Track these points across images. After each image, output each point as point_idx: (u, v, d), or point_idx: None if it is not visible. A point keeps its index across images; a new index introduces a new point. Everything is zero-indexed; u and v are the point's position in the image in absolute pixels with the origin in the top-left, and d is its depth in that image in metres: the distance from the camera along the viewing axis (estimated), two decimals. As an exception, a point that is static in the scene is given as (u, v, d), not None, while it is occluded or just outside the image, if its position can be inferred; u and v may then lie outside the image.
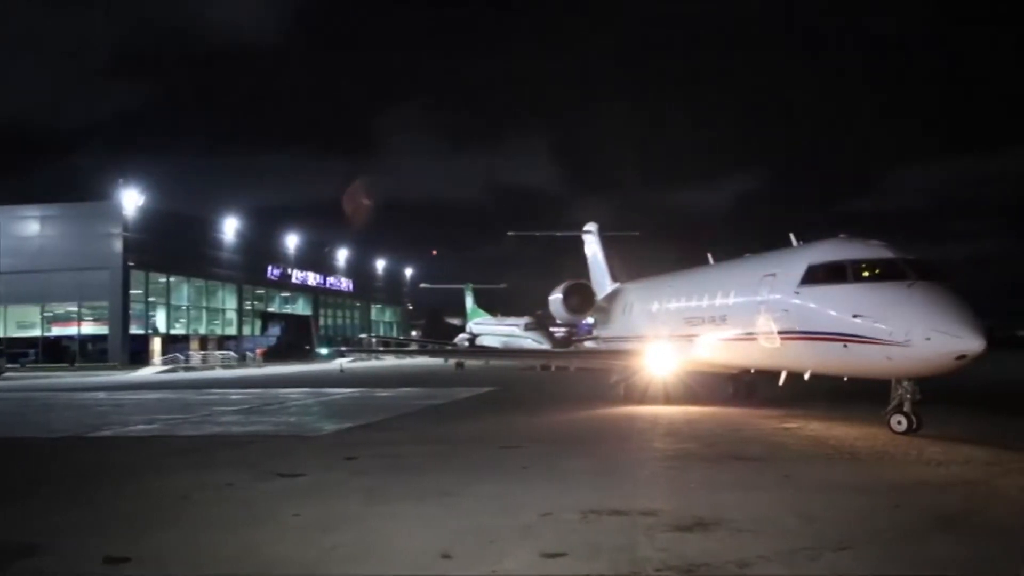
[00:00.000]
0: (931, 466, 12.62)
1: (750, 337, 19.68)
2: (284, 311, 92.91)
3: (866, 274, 16.32)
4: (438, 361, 61.30)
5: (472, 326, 71.39)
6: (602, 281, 37.72)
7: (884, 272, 16.10)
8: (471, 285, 79.71)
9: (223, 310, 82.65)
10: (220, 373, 55.39)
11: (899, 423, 15.69)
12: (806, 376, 18.54)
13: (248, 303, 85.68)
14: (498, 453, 14.80)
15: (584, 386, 30.86)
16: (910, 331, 14.45)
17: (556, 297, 35.13)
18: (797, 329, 17.56)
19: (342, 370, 51.46)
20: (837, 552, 7.61)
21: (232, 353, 70.90)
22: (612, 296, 34.86)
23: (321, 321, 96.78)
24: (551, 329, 59.07)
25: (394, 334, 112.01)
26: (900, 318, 14.81)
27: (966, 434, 15.95)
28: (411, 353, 70.11)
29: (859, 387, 18.67)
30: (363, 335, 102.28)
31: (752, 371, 22.86)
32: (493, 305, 78.17)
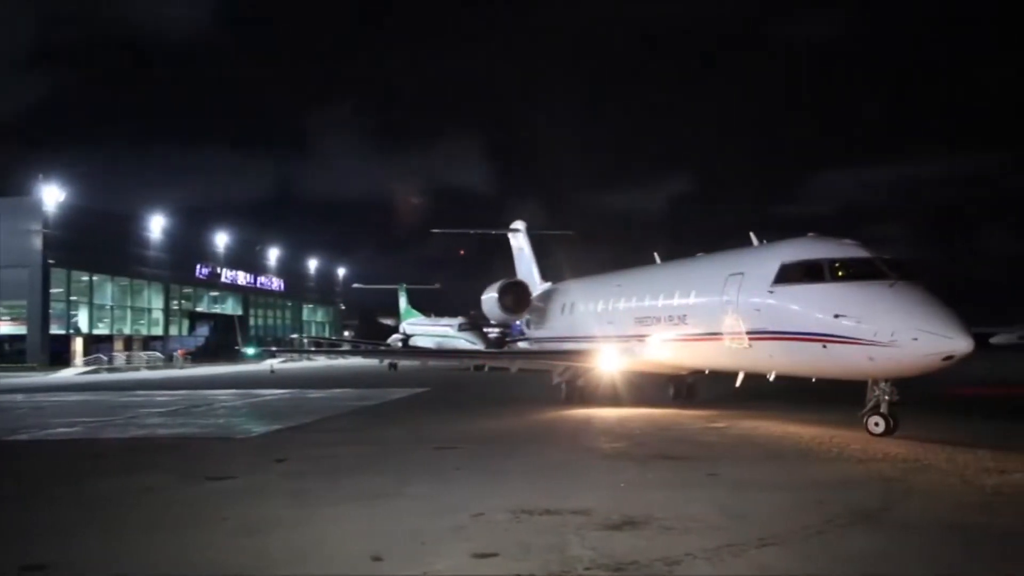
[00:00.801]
0: (851, 463, 13.04)
1: (713, 337, 19.34)
2: (213, 311, 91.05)
3: (843, 273, 16.05)
4: (372, 362, 60.88)
5: (406, 326, 70.94)
6: (530, 280, 36.58)
7: (862, 271, 15.85)
8: (405, 285, 79.23)
9: (149, 310, 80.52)
10: (145, 374, 54.00)
11: (876, 424, 15.46)
12: (771, 377, 18.41)
13: (175, 302, 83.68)
14: (431, 454, 14.77)
15: (519, 387, 30.99)
16: (896, 331, 14.30)
17: (491, 296, 33.80)
18: (770, 329, 17.19)
19: (272, 371, 50.69)
20: (761, 548, 7.81)
21: (158, 354, 69.14)
22: (548, 295, 33.66)
23: (252, 321, 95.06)
24: (485, 330, 59.07)
25: (327, 334, 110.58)
26: (885, 318, 14.64)
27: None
28: (344, 354, 69.28)
29: (806, 386, 19.18)
30: (294, 335, 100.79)
31: (707, 372, 22.61)
32: (427, 306, 77.89)
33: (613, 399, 24.30)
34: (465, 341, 57.49)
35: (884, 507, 9.67)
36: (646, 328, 22.99)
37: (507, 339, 54.02)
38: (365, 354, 61.90)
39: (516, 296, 33.51)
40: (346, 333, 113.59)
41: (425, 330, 65.68)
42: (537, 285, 36.16)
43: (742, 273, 18.51)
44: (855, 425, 15.97)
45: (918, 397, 20.21)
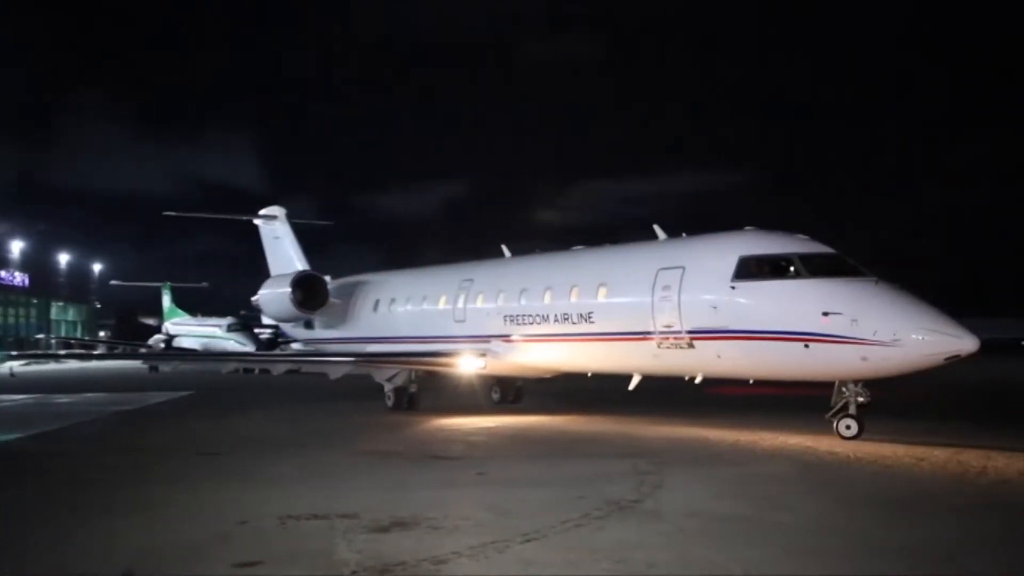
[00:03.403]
0: (606, 459, 13.86)
1: (633, 337, 17.90)
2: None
3: (817, 269, 15.42)
4: (133, 364, 56.99)
5: (169, 327, 66.86)
6: (289, 270, 30.63)
7: (835, 267, 15.41)
8: (169, 284, 74.76)
9: None
10: None
11: (848, 428, 15.04)
12: (695, 379, 17.68)
13: None
14: (195, 461, 14.17)
15: (292, 390, 30.21)
16: (899, 330, 13.88)
17: (280, 292, 28.28)
18: (731, 328, 15.99)
19: (12, 374, 46.09)
20: (524, 544, 8.13)
21: None
22: (351, 290, 28.71)
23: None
24: (256, 330, 57.00)
25: (79, 335, 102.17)
26: (885, 316, 14.17)
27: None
28: (99, 356, 64.18)
29: (610, 385, 19.69)
30: (40, 335, 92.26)
31: (588, 374, 21.03)
32: (195, 305, 73.90)
33: (457, 406, 22.94)
34: (234, 342, 55.21)
35: (637, 499, 10.35)
36: (522, 328, 20.83)
37: (279, 340, 52.43)
38: (123, 356, 57.68)
39: (313, 291, 28.15)
40: (102, 333, 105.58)
41: (191, 330, 62.31)
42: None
43: (682, 267, 17.17)
44: (634, 419, 16.91)
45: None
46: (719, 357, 16.48)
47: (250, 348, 53.57)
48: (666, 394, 23.78)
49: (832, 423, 15.34)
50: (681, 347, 16.98)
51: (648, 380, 19.17)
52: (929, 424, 17.91)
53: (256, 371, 36.67)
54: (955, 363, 13.96)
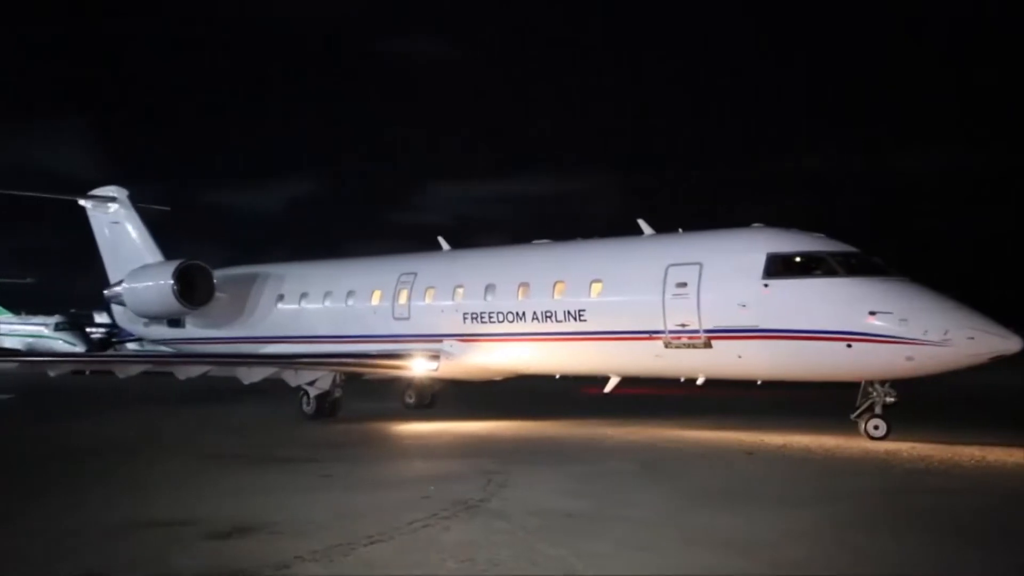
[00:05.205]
0: (456, 459, 13.99)
1: (634, 337, 17.22)
2: None
3: (851, 268, 15.36)
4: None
5: (-12, 325, 62.26)
6: (135, 262, 26.81)
7: (868, 266, 15.41)
8: (-12, 279, 69.45)
9: None
10: None
11: (876, 428, 15.14)
12: (697, 380, 17.33)
13: None
14: (26, 469, 13.38)
15: (136, 393, 28.75)
16: (950, 330, 13.94)
17: (159, 284, 24.17)
18: (764, 327, 15.59)
19: None
20: (369, 546, 8.09)
21: None
22: (238, 283, 25.41)
23: None
24: (88, 330, 53.92)
25: None
26: (934, 316, 14.21)
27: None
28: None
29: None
30: None
31: (567, 376, 20.33)
32: (21, 303, 68.96)
33: (369, 411, 22.20)
34: (63, 342, 52.16)
35: (484, 498, 10.49)
36: (488, 327, 19.52)
37: (114, 340, 49.81)
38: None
39: (197, 284, 24.41)
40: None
41: (13, 329, 58.23)
42: (158, 268, 26.11)
43: (698, 264, 16.62)
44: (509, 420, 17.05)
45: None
46: (739, 357, 16.07)
47: (80, 348, 50.80)
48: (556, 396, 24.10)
49: (858, 424, 15.51)
50: (694, 347, 16.45)
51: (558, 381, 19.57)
52: (779, 418, 19.00)
53: (87, 372, 33.55)
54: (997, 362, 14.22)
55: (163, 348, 28.58)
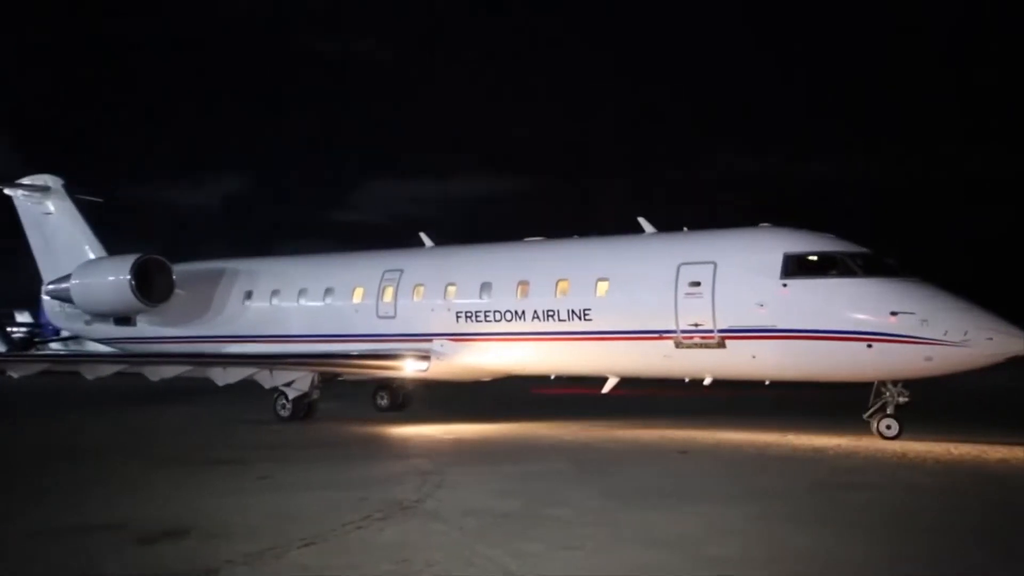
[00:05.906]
0: (392, 460, 13.95)
1: (642, 337, 17.02)
2: None
3: (867, 269, 15.46)
4: None
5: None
6: (73, 256, 25.71)
7: (883, 267, 15.52)
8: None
9: None
10: None
11: (888, 428, 15.30)
12: (704, 381, 17.21)
13: None
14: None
15: (67, 396, 27.98)
16: (970, 331, 14.13)
17: (115, 280, 22.87)
18: (782, 327, 15.57)
19: None
20: (303, 548, 8.04)
21: None
22: (198, 280, 24.26)
23: None
24: (9, 330, 52.12)
25: None
26: (954, 317, 14.38)
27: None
28: None
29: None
30: None
31: (557, 376, 19.82)
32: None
33: (338, 413, 21.70)
34: (-18, 342, 50.26)
35: (419, 499, 10.49)
36: (483, 326, 19.04)
37: (36, 340, 48.30)
38: None
39: (155, 279, 23.21)
40: None
41: (-73, 329, 56.02)
42: (99, 264, 25.08)
43: (712, 263, 16.47)
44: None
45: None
46: (753, 358, 16.00)
47: (1, 348, 49.08)
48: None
49: (871, 424, 15.68)
50: (707, 347, 16.30)
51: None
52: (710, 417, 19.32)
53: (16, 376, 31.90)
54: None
55: (97, 347, 27.34)
